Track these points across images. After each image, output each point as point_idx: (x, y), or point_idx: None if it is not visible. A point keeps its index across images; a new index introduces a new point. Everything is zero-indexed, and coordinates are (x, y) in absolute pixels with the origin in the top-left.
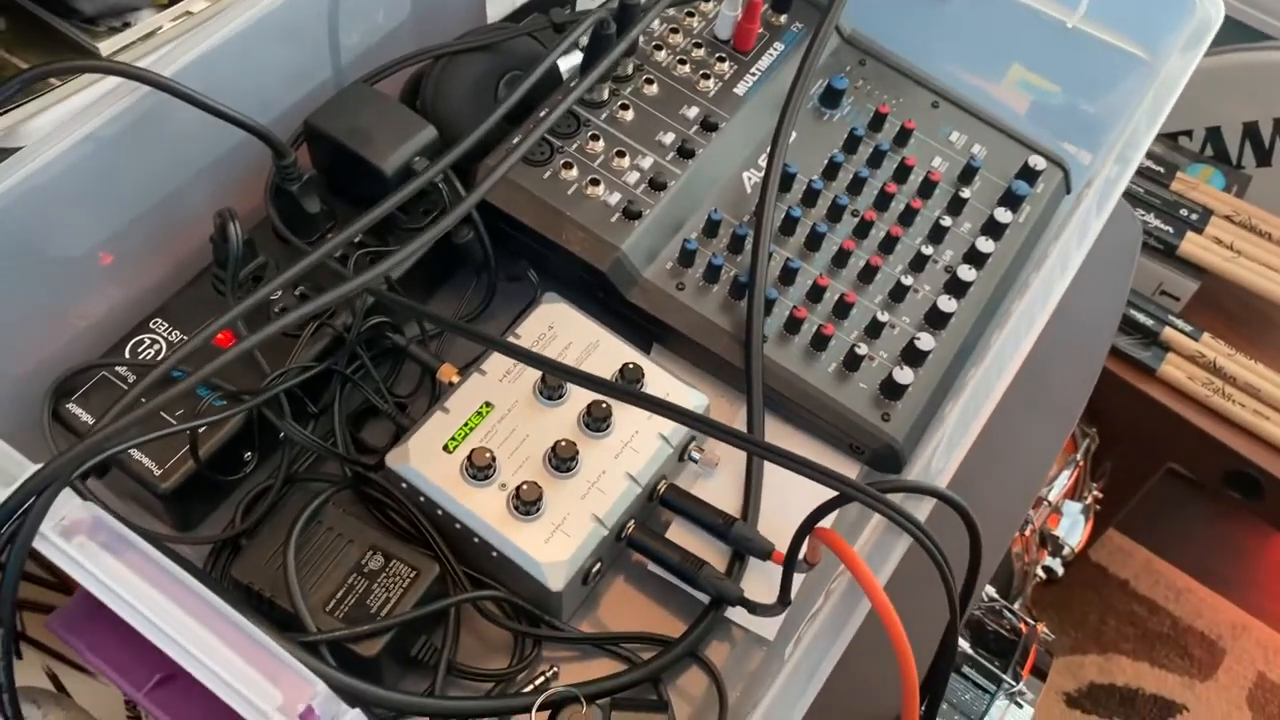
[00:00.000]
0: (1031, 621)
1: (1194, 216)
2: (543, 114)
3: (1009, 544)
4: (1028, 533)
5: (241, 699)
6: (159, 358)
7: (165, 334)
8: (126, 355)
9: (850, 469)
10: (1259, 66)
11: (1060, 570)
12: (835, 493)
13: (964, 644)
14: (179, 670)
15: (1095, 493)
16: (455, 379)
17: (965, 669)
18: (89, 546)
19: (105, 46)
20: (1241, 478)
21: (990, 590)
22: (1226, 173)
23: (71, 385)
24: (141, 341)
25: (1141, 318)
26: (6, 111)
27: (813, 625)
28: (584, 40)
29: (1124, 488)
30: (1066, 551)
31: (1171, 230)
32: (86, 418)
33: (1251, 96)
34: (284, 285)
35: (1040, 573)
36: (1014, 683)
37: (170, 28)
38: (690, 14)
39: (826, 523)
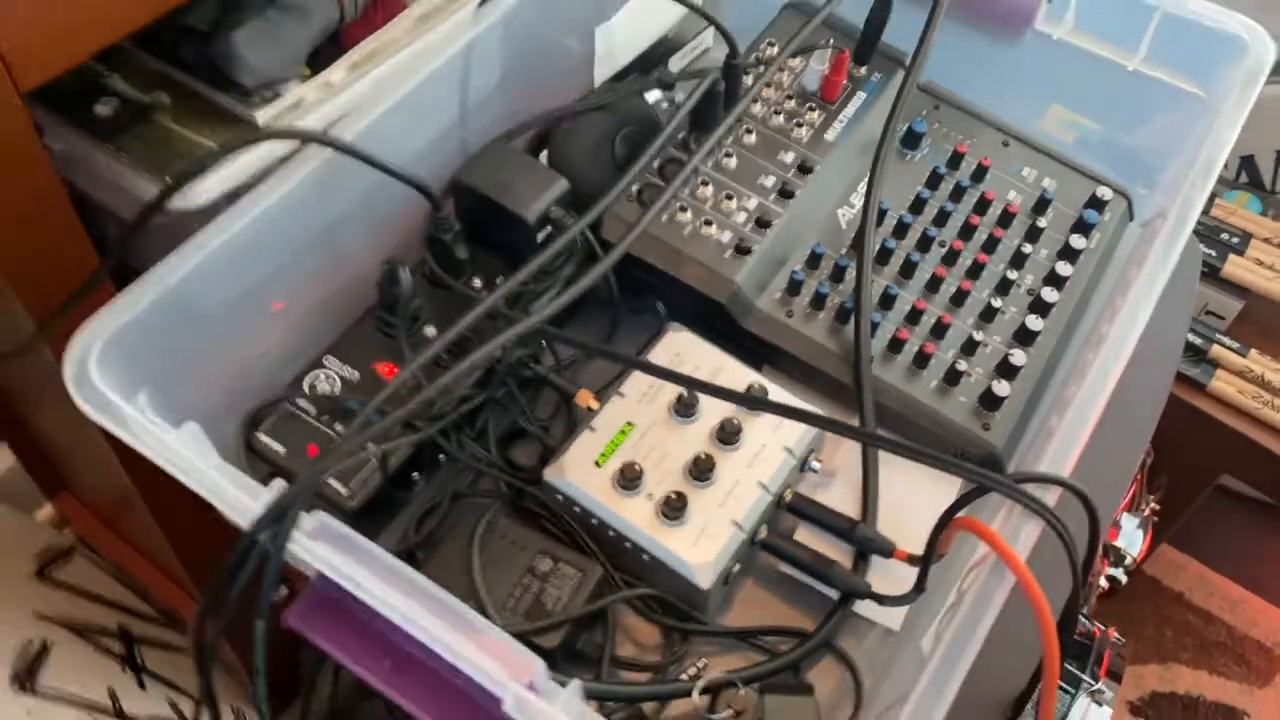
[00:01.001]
0: (1103, 627)
1: (1235, 240)
2: (656, 164)
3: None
4: None
5: (481, 672)
6: (334, 391)
7: (338, 370)
8: (305, 389)
9: (952, 481)
10: None
11: (1124, 579)
12: (945, 490)
13: None
14: (405, 657)
15: (1153, 504)
16: (593, 404)
17: None
18: (328, 549)
19: (261, 115)
20: None
21: None
22: (1262, 198)
23: (260, 417)
24: (317, 376)
25: (1191, 337)
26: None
27: (952, 621)
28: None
29: (1176, 502)
30: (1129, 561)
31: (1214, 253)
32: (276, 446)
33: None
34: (462, 330)
35: (1104, 582)
36: (1093, 681)
37: (313, 97)
38: (780, 69)
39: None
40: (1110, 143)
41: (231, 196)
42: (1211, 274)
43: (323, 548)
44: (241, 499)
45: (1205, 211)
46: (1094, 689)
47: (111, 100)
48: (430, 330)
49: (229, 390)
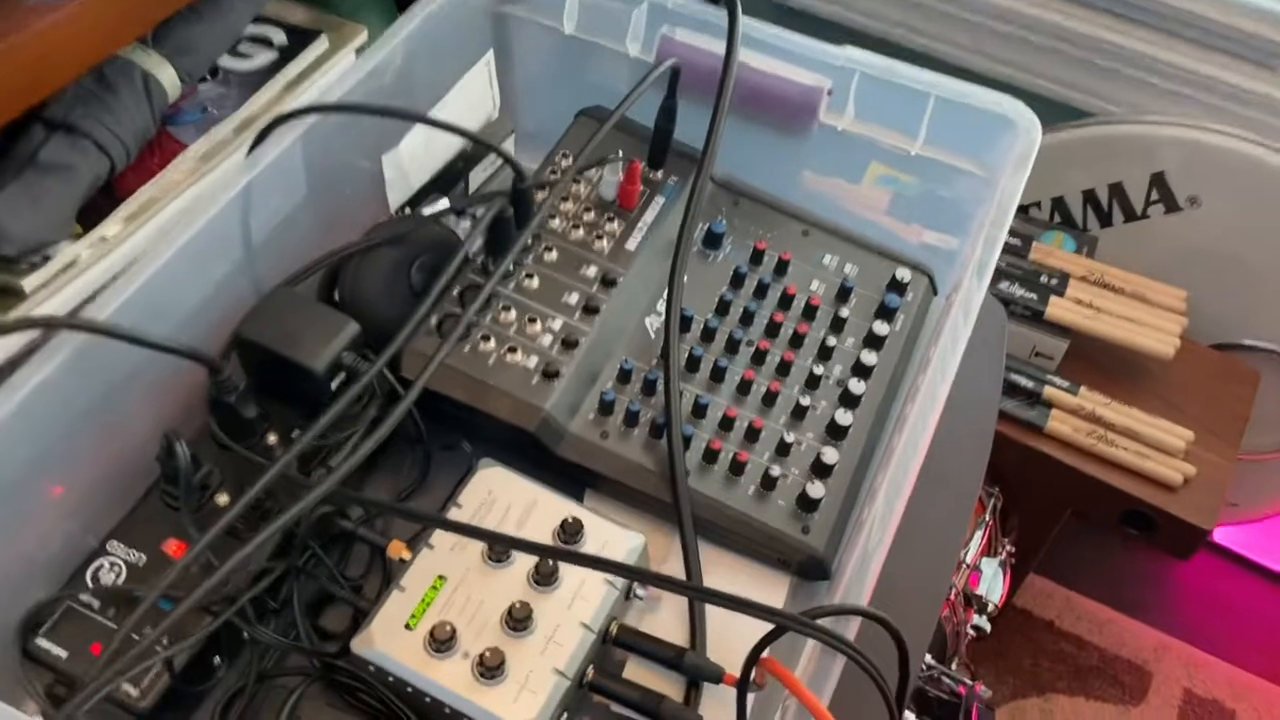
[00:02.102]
0: (969, 682)
1: (1054, 282)
2: (456, 291)
3: (938, 616)
4: (952, 596)
5: None
6: (120, 580)
7: (124, 555)
8: (88, 582)
9: (781, 581)
10: (1089, 140)
11: (988, 627)
12: (773, 600)
13: (910, 715)
14: None
15: (1008, 547)
16: (405, 555)
17: None
18: None
19: (29, 283)
20: (1135, 516)
21: (928, 658)
22: (1075, 236)
23: (38, 619)
24: (101, 566)
25: (1023, 381)
26: None
27: None
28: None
29: (1034, 536)
30: (991, 608)
31: (1036, 297)
32: (58, 651)
33: (1086, 167)
34: (248, 503)
35: (970, 631)
36: None
37: (88, 255)
38: (577, 181)
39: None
40: (929, 197)
41: None
42: (1035, 317)
43: None
44: None
45: (1024, 255)
46: None
47: None
48: (224, 498)
49: (4, 593)
